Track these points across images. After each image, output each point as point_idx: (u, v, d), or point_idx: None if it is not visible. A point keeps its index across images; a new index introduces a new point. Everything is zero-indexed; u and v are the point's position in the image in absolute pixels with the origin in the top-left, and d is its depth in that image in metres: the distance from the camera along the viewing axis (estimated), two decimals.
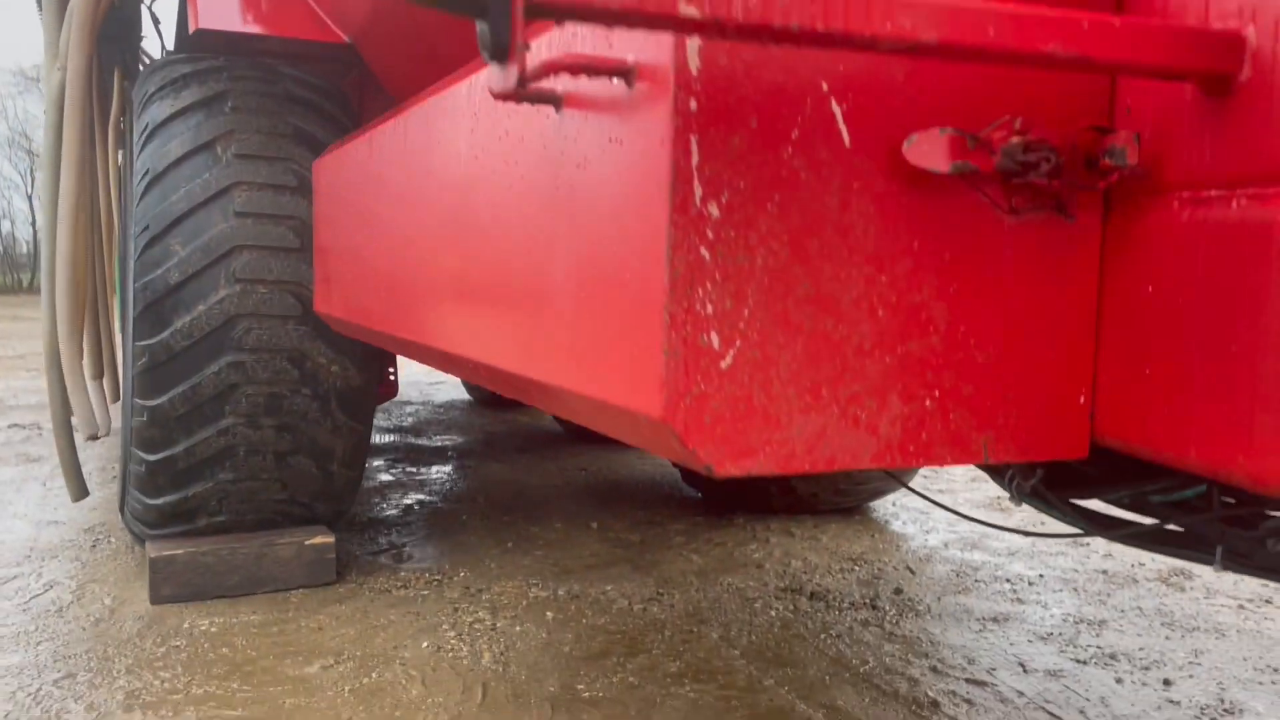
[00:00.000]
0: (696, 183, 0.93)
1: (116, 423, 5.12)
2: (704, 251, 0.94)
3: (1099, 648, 3.01)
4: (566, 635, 3.02)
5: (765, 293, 0.97)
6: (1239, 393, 0.97)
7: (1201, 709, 2.63)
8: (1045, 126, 1.03)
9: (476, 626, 3.08)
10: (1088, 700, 2.65)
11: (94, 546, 3.88)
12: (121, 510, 3.61)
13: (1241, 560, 1.15)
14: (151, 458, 3.21)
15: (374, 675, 2.71)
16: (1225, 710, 2.62)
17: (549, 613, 3.21)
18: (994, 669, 2.82)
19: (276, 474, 3.33)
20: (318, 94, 3.48)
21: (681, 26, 0.77)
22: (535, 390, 1.31)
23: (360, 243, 2.34)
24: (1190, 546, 1.24)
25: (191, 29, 3.04)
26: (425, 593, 3.39)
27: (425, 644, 2.93)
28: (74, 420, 3.74)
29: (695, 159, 0.92)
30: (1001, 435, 1.08)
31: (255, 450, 3.26)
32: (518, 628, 3.07)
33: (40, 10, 4.18)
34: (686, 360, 0.94)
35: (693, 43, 0.91)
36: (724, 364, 0.95)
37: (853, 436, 1.01)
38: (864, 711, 2.56)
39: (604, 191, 1.03)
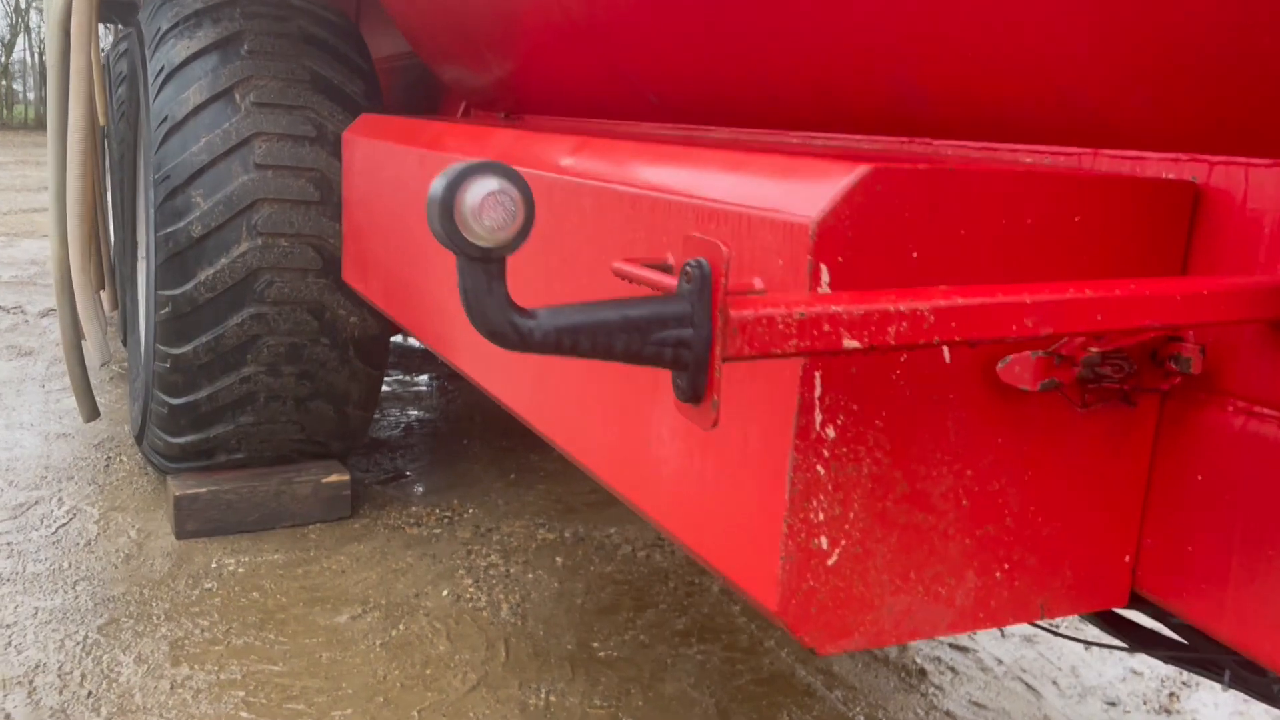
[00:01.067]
0: (818, 411, 1.03)
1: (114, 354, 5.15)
2: (820, 469, 1.05)
3: None
4: (578, 585, 3.21)
5: (868, 495, 1.09)
6: (1272, 586, 1.11)
7: (1162, 680, 2.89)
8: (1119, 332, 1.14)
9: (491, 572, 3.26)
10: (1059, 670, 2.91)
11: (108, 466, 3.99)
12: (139, 441, 3.70)
13: (1248, 687, 1.32)
14: (175, 401, 3.30)
15: (401, 627, 2.90)
16: (1183, 683, 2.89)
17: (558, 558, 3.39)
18: (974, 634, 3.06)
19: (295, 417, 3.43)
20: (332, 33, 3.44)
21: (842, 353, 0.87)
22: (624, 499, 1.43)
23: (405, 257, 2.39)
24: (1200, 664, 1.40)
25: None
26: (438, 531, 3.55)
27: (445, 592, 3.11)
28: (87, 348, 3.80)
29: (818, 391, 1.02)
30: (1056, 595, 1.22)
31: (276, 396, 3.35)
32: (530, 575, 3.25)
33: None
34: (799, 562, 1.06)
35: None
36: (830, 561, 1.07)
37: (933, 610, 1.14)
38: (858, 678, 2.79)
39: (729, 395, 1.13)
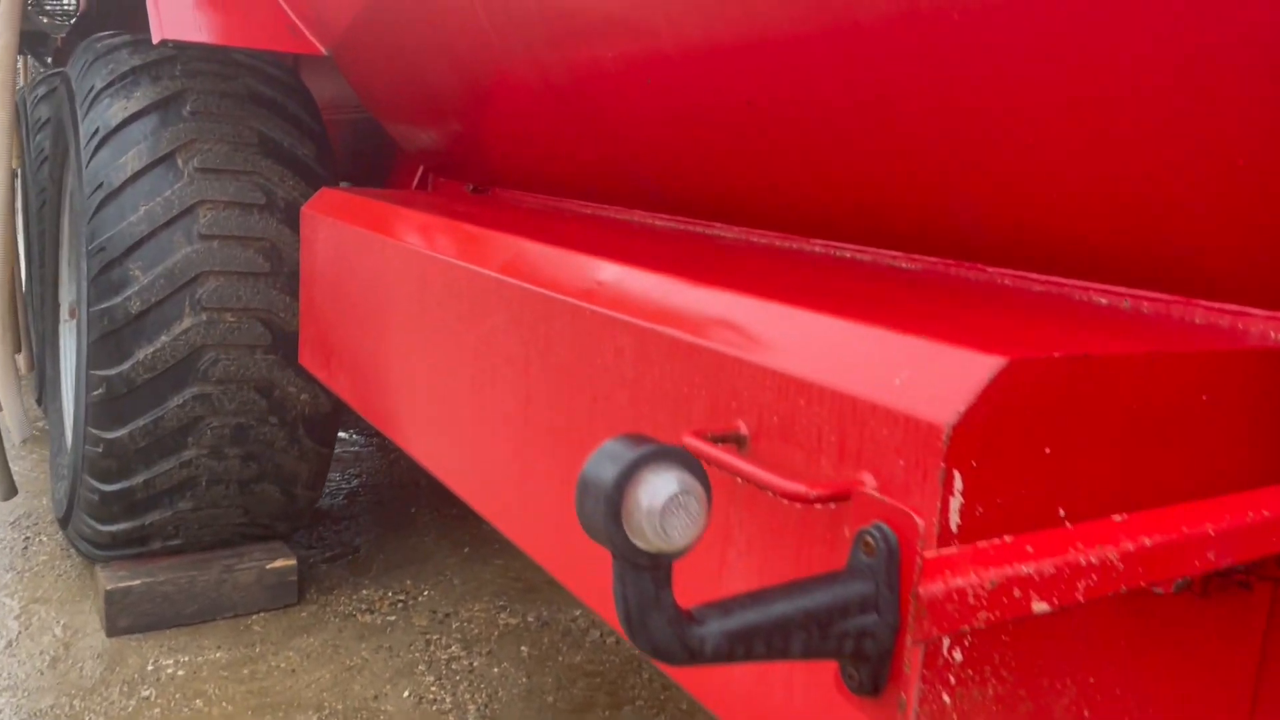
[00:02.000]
0: (946, 638, 0.90)
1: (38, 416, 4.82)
2: (946, 699, 0.92)
3: None
4: (547, 680, 3.03)
5: (993, 717, 0.96)
6: None
7: None
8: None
9: (454, 666, 3.06)
10: None
11: (26, 549, 3.70)
12: (63, 524, 3.42)
13: None
14: (108, 488, 3.04)
15: None
16: None
17: (524, 647, 3.21)
18: None
19: (239, 501, 3.20)
20: (280, 91, 3.24)
21: (1029, 618, 0.74)
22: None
23: (378, 352, 2.22)
24: None
25: (155, 39, 2.76)
26: (392, 618, 3.34)
27: (406, 693, 2.90)
28: (4, 420, 3.52)
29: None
30: None
31: (218, 480, 3.12)
32: (495, 669, 3.06)
33: None
34: None
35: None
36: None
37: None
38: None
39: None
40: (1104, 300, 1.30)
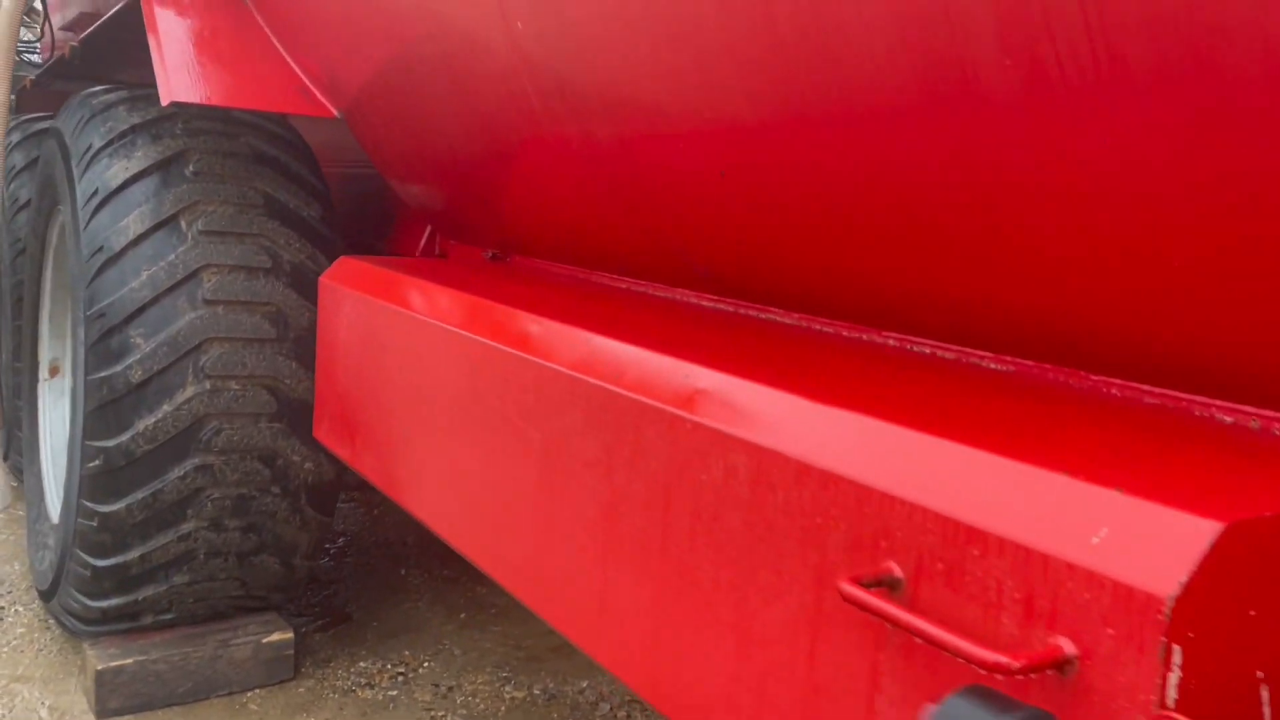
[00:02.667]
0: None
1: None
2: None
3: None
4: None
5: None
6: None
7: None
8: None
9: None
10: None
11: (2, 621, 3.52)
12: (46, 598, 3.26)
13: None
14: (101, 563, 2.90)
15: None
16: None
17: None
18: None
19: (237, 573, 3.07)
20: (284, 150, 3.15)
21: None
22: None
23: (413, 427, 2.13)
24: None
25: (164, 102, 2.66)
26: (393, 693, 3.23)
27: None
28: None
29: None
30: None
31: (217, 553, 2.99)
32: None
33: None
34: None
35: None
36: None
37: None
38: None
39: None
40: (1229, 419, 1.26)
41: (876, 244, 1.52)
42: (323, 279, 2.62)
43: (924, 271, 1.49)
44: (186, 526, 2.91)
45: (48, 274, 3.68)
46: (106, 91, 3.18)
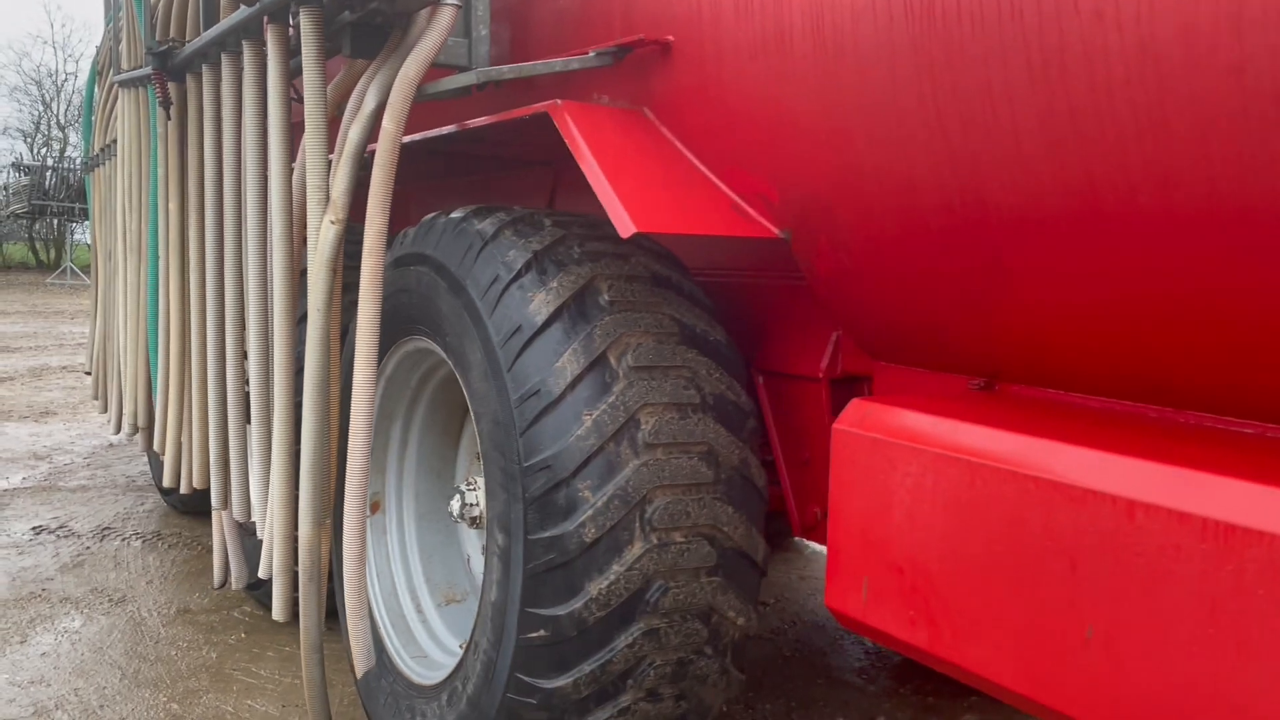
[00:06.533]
0: None
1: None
2: None
3: None
4: None
5: None
6: None
7: None
8: None
9: None
10: None
11: None
12: None
13: None
14: None
15: None
16: None
17: None
18: None
19: None
20: (673, 268, 2.90)
21: None
22: None
23: (1031, 606, 1.82)
24: None
25: (624, 233, 2.40)
26: None
27: None
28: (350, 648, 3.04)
29: None
30: None
31: None
32: None
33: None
34: None
35: None
36: None
37: None
38: None
39: None
40: None
41: None
42: (837, 426, 2.31)
43: None
44: (625, 699, 2.59)
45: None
46: (478, 216, 2.93)
